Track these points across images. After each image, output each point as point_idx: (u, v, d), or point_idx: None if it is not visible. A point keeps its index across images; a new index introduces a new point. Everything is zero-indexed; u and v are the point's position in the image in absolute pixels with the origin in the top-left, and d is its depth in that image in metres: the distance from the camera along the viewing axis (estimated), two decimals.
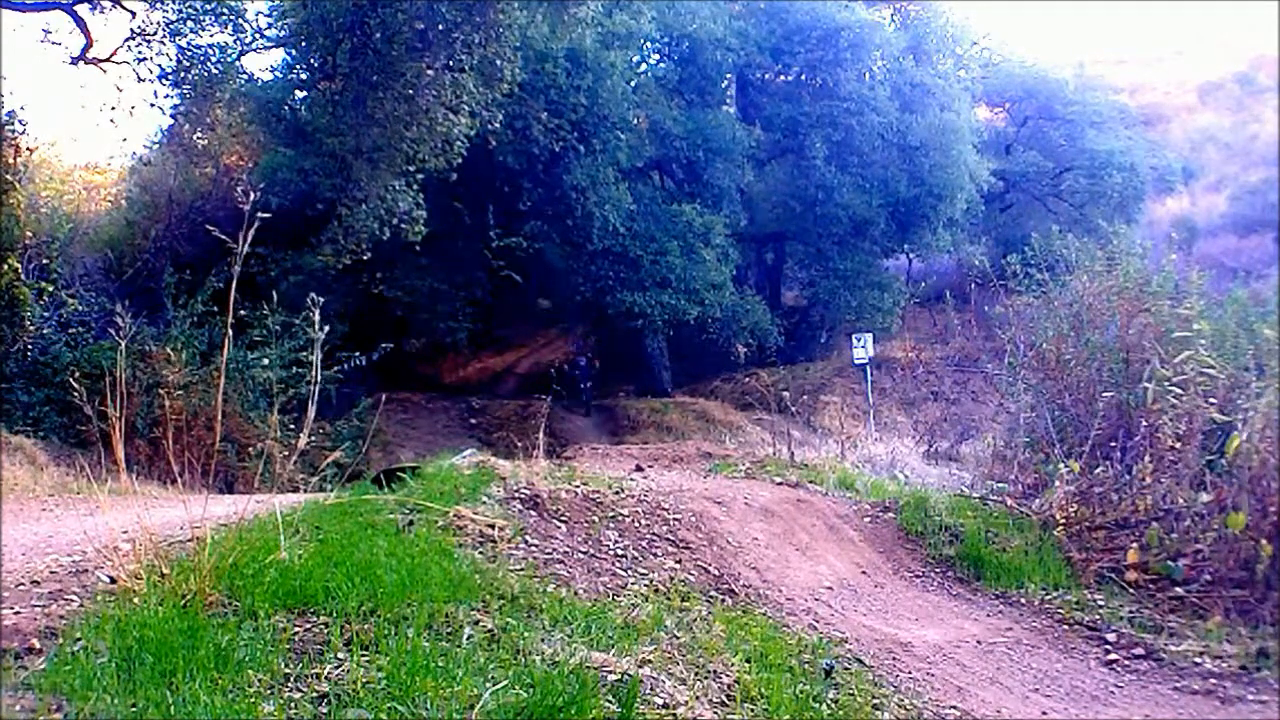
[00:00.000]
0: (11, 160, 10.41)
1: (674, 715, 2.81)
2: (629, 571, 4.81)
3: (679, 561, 5.13)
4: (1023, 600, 5.27)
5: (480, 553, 4.35)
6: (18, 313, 9.81)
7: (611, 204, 17.51)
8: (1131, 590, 5.14)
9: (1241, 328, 6.49)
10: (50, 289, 10.74)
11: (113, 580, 3.30)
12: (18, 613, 3.02)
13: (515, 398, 18.13)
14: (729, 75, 21.35)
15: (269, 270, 13.15)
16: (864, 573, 5.75)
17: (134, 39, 12.09)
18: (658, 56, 21.43)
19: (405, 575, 3.46)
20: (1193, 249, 19.40)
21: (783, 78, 22.39)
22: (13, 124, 10.82)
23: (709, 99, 20.69)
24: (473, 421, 17.55)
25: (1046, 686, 4.13)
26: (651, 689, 2.94)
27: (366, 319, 16.34)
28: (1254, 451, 5.18)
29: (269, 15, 13.56)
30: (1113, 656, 4.45)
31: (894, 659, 4.25)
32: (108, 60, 12.28)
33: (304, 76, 15.61)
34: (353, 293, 16.28)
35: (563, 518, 5.39)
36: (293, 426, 8.54)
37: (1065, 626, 4.85)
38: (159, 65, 12.18)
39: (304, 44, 13.45)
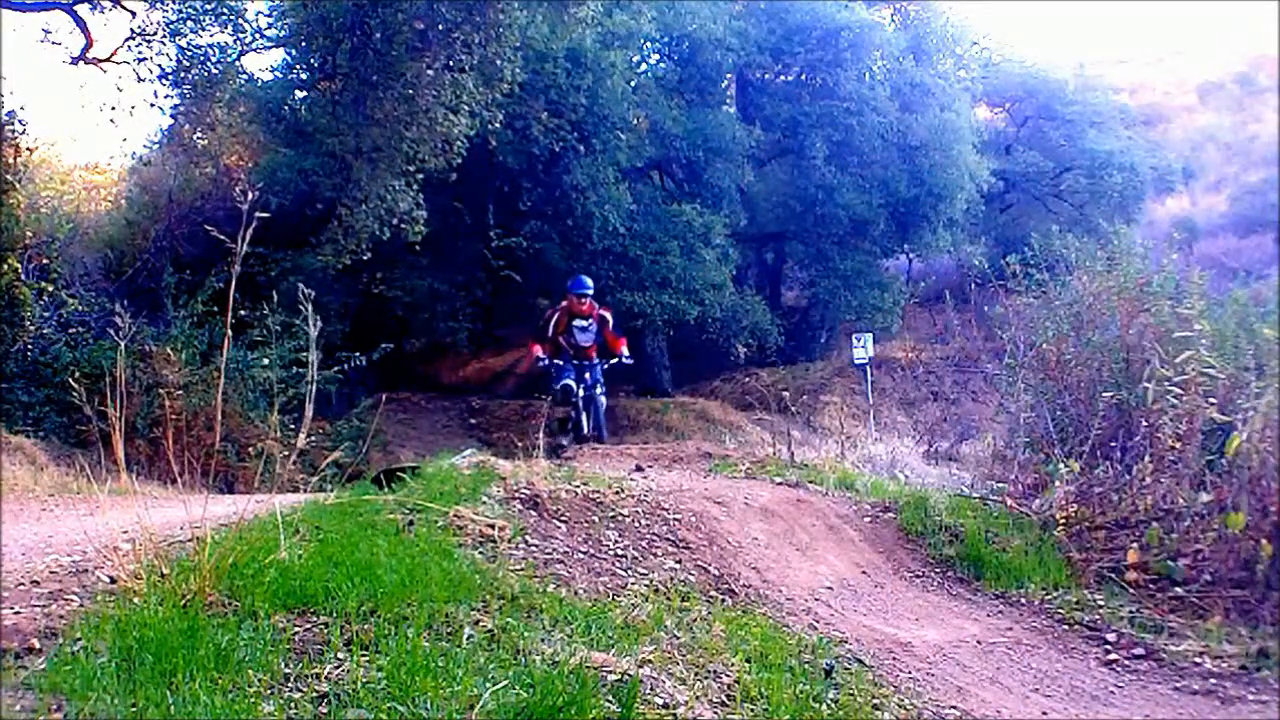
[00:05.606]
0: (11, 160, 10.41)
1: (674, 715, 2.81)
2: (629, 571, 4.80)
3: (679, 561, 5.13)
4: (1023, 600, 5.27)
5: (480, 553, 4.35)
6: (18, 313, 9.81)
7: (611, 204, 17.49)
8: (1131, 590, 5.13)
9: (1241, 328, 6.46)
10: (50, 289, 10.73)
11: (113, 580, 3.30)
12: (18, 613, 3.02)
13: (515, 398, 18.11)
14: (729, 75, 21.32)
15: (269, 270, 13.14)
16: (864, 573, 5.75)
17: (134, 39, 12.09)
18: (658, 56, 21.40)
19: (405, 575, 3.46)
20: (1193, 249, 19.39)
21: (783, 78, 22.36)
22: (13, 124, 10.83)
23: (709, 99, 20.66)
24: (473, 421, 17.54)
25: (1046, 686, 4.13)
26: (651, 689, 2.94)
27: (366, 319, 16.35)
28: (1254, 451, 5.18)
29: (269, 15, 13.56)
30: (1113, 656, 4.45)
31: (894, 659, 4.25)
32: (108, 60, 12.27)
33: (304, 76, 15.66)
34: (353, 293, 16.29)
35: (563, 518, 5.39)
36: (293, 426, 8.55)
37: (1065, 626, 4.84)
38: (159, 65, 12.19)
39: (304, 44, 13.48)
